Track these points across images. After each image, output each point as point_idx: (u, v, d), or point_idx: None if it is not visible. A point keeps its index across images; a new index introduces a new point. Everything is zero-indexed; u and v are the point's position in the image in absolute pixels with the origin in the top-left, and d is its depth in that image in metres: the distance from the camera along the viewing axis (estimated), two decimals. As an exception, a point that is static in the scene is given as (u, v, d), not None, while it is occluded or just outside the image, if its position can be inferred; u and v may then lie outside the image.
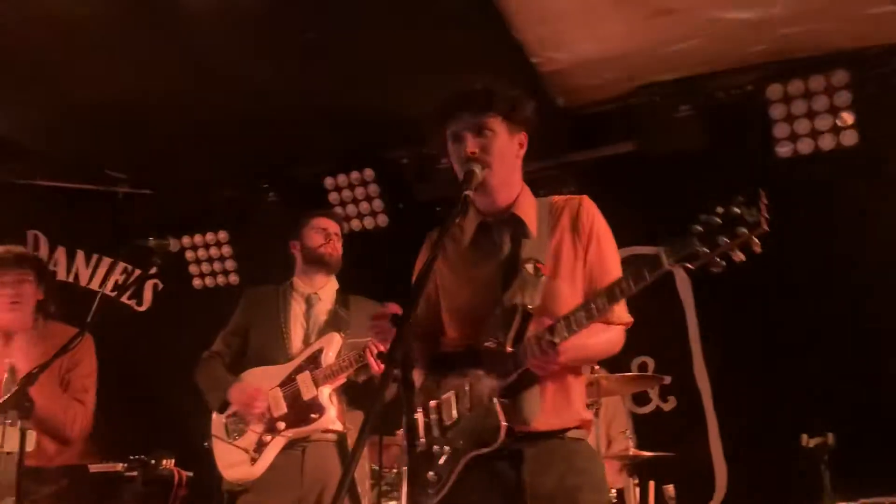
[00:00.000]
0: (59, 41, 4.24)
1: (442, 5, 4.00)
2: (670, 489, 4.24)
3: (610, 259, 2.45)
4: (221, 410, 3.77)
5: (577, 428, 2.39)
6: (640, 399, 5.05)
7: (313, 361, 3.72)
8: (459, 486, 2.34)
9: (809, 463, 3.80)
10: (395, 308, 2.16)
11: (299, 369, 3.73)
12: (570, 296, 2.36)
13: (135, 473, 4.85)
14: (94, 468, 4.29)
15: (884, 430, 4.16)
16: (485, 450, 2.28)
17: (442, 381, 2.46)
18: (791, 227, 4.59)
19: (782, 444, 4.10)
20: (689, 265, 1.98)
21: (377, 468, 3.61)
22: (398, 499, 4.16)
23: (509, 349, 2.28)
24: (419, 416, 2.47)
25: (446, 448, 2.37)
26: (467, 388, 2.36)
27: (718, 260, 1.95)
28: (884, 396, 4.26)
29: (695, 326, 4.96)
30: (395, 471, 4.21)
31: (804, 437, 3.84)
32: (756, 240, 1.91)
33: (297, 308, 3.90)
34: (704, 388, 4.92)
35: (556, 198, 2.56)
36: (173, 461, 4.96)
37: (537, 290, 2.33)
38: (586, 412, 2.45)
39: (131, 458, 4.83)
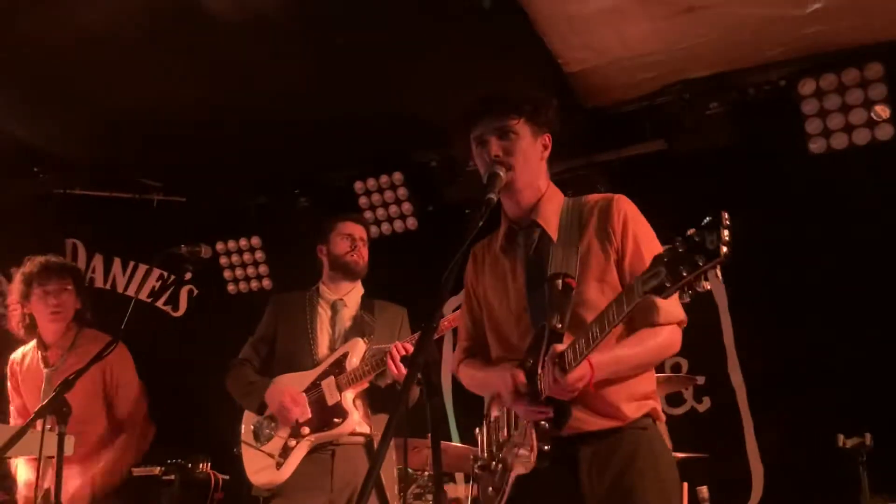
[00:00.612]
0: (92, 54, 4.30)
1: (469, 9, 4.00)
2: (704, 491, 4.20)
3: (650, 257, 2.40)
4: (260, 411, 3.80)
5: (637, 420, 2.33)
6: (674, 400, 5.00)
7: (338, 367, 3.75)
8: (512, 501, 2.34)
9: (847, 463, 3.73)
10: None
11: (324, 374, 3.76)
12: (597, 299, 2.34)
13: (172, 477, 4.93)
14: (135, 471, 4.39)
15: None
16: (524, 472, 2.26)
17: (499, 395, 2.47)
18: (824, 225, 4.55)
19: (819, 444, 4.03)
20: (657, 296, 1.88)
21: (405, 469, 3.62)
22: (428, 502, 4.17)
23: (539, 371, 2.26)
24: (484, 428, 2.52)
25: (499, 466, 2.39)
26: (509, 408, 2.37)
27: (686, 290, 1.81)
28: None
29: (728, 326, 4.90)
30: (426, 473, 4.22)
31: (841, 437, 3.77)
32: (717, 270, 1.75)
33: (323, 314, 3.92)
34: (739, 388, 4.85)
35: (589, 197, 2.54)
36: (209, 464, 5.04)
37: (567, 309, 2.30)
38: (649, 401, 2.37)
39: (169, 461, 4.91)
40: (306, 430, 3.69)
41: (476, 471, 2.51)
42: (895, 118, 4.52)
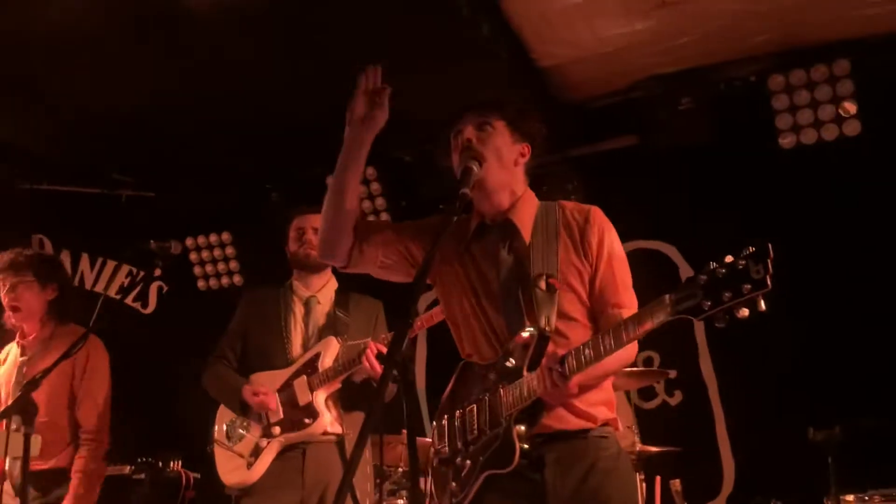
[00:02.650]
0: (61, 49, 4.25)
1: (442, 3, 3.98)
2: (677, 484, 4.23)
3: (621, 277, 2.41)
4: (243, 411, 3.77)
5: (602, 426, 2.36)
6: (647, 394, 5.03)
7: (310, 366, 3.71)
8: (480, 499, 2.31)
9: (816, 456, 3.78)
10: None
11: (296, 374, 3.72)
12: (568, 308, 2.35)
13: (142, 476, 4.88)
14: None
15: (889, 422, 4.13)
16: (500, 471, 2.25)
17: (469, 391, 2.43)
18: (794, 219, 4.60)
19: (789, 437, 4.08)
20: (691, 317, 1.92)
21: (381, 466, 3.61)
22: (405, 498, 4.17)
23: (525, 373, 2.25)
24: (444, 422, 2.46)
25: (467, 462, 2.35)
26: (488, 404, 2.33)
27: (723, 315, 1.88)
28: (889, 388, 4.23)
29: (700, 321, 4.94)
30: (400, 469, 4.21)
31: (811, 429, 3.82)
32: (761, 298, 1.83)
33: (297, 312, 3.87)
34: (711, 382, 4.90)
35: (564, 204, 2.53)
36: (180, 463, 4.99)
37: (553, 310, 2.31)
38: (610, 410, 2.41)
39: (139, 460, 4.86)
40: (277, 430, 3.66)
41: (435, 464, 2.46)
42: (862, 114, 4.57)
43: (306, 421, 3.64)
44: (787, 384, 4.50)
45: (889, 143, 4.50)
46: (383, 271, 2.55)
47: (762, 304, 1.83)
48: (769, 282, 1.80)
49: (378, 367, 3.40)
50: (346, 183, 2.46)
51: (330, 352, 3.72)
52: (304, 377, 3.70)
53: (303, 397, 3.68)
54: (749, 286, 1.82)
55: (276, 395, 3.69)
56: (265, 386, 3.72)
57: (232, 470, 3.70)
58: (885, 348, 4.30)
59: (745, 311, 1.85)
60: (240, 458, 3.68)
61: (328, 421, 3.66)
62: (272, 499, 3.59)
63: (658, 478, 4.33)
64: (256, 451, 3.66)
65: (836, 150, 4.67)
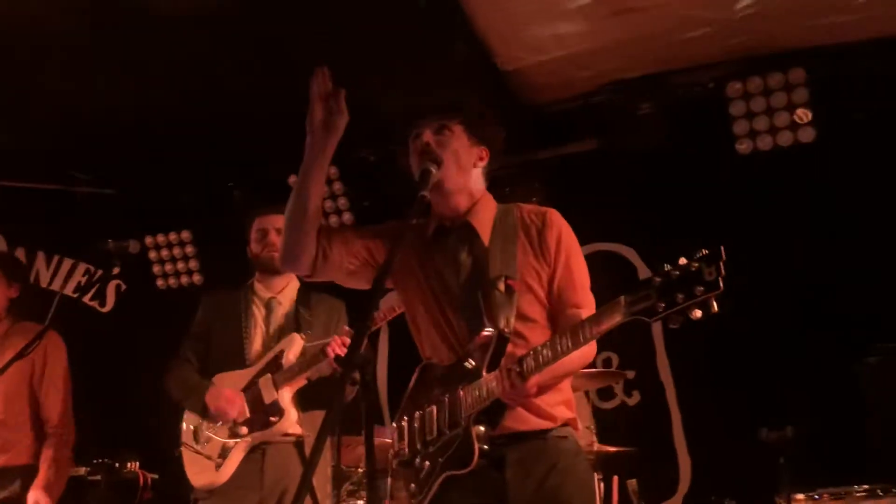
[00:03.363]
0: (18, 43, 4.18)
1: (406, 4, 3.99)
2: (634, 483, 4.29)
3: (579, 278, 2.44)
4: (204, 413, 3.73)
5: (561, 426, 2.38)
6: (605, 394, 5.09)
7: (274, 364, 3.70)
8: (439, 499, 2.31)
9: (769, 455, 3.86)
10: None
11: (261, 372, 3.71)
12: (527, 309, 2.38)
13: (98, 477, 4.81)
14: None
15: (839, 423, 4.25)
16: (459, 472, 2.25)
17: (429, 392, 2.44)
18: (750, 224, 4.68)
19: (743, 437, 4.15)
20: (645, 318, 1.95)
21: (340, 467, 3.61)
22: (363, 498, 4.16)
23: (485, 374, 2.26)
24: (404, 423, 2.46)
25: (426, 463, 2.35)
26: (447, 404, 2.34)
27: (677, 316, 1.91)
28: (839, 391, 4.34)
29: (658, 323, 5.01)
30: (359, 470, 4.21)
31: (764, 430, 3.90)
32: (713, 300, 1.86)
33: (257, 313, 3.86)
34: (668, 382, 4.98)
35: (522, 206, 2.55)
36: (138, 464, 4.93)
37: (512, 312, 2.33)
38: (570, 410, 2.44)
39: (95, 461, 4.79)
40: (244, 430, 3.64)
41: (394, 466, 2.47)
42: (817, 121, 4.68)
43: (272, 419, 3.63)
44: (742, 385, 4.58)
45: (842, 149, 4.61)
46: (349, 278, 2.53)
47: (715, 306, 1.86)
48: (721, 284, 1.82)
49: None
50: (310, 190, 2.45)
51: (293, 348, 3.70)
52: (269, 375, 3.68)
53: (268, 395, 3.66)
54: (702, 288, 1.85)
55: (241, 399, 3.67)
56: (229, 387, 3.70)
57: (200, 472, 3.67)
58: (834, 350, 4.40)
59: (698, 313, 1.88)
60: (207, 459, 3.65)
61: (294, 418, 3.65)
62: (233, 500, 3.57)
63: (616, 477, 4.39)
64: (224, 452, 3.63)
65: (790, 155, 4.77)
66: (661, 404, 4.98)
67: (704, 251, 1.87)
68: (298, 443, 3.70)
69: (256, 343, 3.79)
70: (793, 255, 4.61)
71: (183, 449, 3.78)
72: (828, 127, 4.68)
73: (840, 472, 3.92)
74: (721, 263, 1.83)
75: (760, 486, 4.02)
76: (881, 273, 4.39)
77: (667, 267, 1.91)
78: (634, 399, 5.08)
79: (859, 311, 4.37)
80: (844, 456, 4.12)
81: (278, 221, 3.83)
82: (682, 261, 1.89)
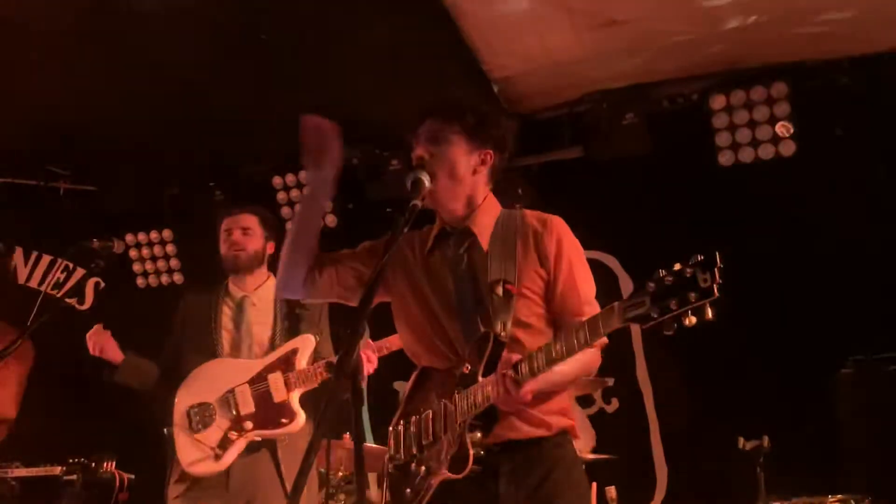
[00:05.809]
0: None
1: (393, 9, 4.00)
2: (612, 491, 4.32)
3: (582, 286, 2.42)
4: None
5: (558, 435, 2.37)
6: (585, 401, 5.12)
7: (286, 362, 3.64)
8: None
9: (746, 464, 3.90)
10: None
11: (271, 368, 3.64)
12: (525, 316, 2.37)
13: (74, 476, 4.76)
14: (34, 471, 4.19)
15: (814, 433, 4.31)
16: (454, 476, 2.24)
17: (426, 397, 2.43)
18: (730, 234, 4.74)
19: (720, 446, 4.20)
20: (640, 325, 1.91)
21: (323, 471, 3.60)
22: (341, 502, 4.16)
23: (480, 379, 2.25)
24: (400, 428, 2.46)
25: (422, 468, 2.35)
26: (443, 409, 2.33)
27: (671, 322, 1.86)
28: (813, 402, 4.40)
29: (637, 330, 5.05)
30: (340, 474, 4.21)
31: (741, 439, 3.94)
32: (708, 307, 1.81)
33: (225, 312, 3.83)
34: (646, 390, 5.02)
35: (528, 211, 2.54)
36: (114, 463, 4.89)
37: (509, 317, 2.31)
38: (567, 419, 2.42)
39: (71, 461, 4.73)
40: (249, 424, 3.57)
41: (390, 470, 2.46)
42: (798, 135, 4.74)
43: (283, 420, 3.58)
44: (720, 394, 4.64)
45: (821, 163, 4.67)
46: (341, 300, 2.56)
47: (709, 313, 1.81)
48: (716, 290, 1.79)
49: (374, 361, 3.45)
50: (311, 223, 2.51)
51: (306, 350, 3.66)
52: (280, 373, 3.62)
53: (278, 394, 3.60)
54: (695, 294, 1.80)
55: (244, 388, 3.62)
56: (232, 374, 3.64)
57: (197, 460, 3.58)
58: (809, 363, 4.46)
59: (692, 319, 1.83)
60: (205, 448, 3.57)
61: (303, 422, 3.61)
62: (200, 500, 3.54)
63: (594, 484, 4.42)
64: (224, 444, 3.56)
65: (771, 168, 4.83)
66: (640, 411, 5.02)
67: (699, 257, 1.82)
68: (271, 448, 3.65)
69: (225, 342, 3.75)
70: (771, 265, 4.66)
71: (175, 431, 3.67)
72: (808, 141, 4.74)
73: (814, 480, 3.97)
74: (716, 269, 1.80)
75: (737, 494, 4.07)
76: (856, 287, 4.46)
77: (661, 273, 1.87)
78: (613, 406, 5.11)
79: (834, 325, 4.43)
80: (819, 466, 4.17)
81: (243, 220, 3.89)
82: (677, 266, 1.85)
